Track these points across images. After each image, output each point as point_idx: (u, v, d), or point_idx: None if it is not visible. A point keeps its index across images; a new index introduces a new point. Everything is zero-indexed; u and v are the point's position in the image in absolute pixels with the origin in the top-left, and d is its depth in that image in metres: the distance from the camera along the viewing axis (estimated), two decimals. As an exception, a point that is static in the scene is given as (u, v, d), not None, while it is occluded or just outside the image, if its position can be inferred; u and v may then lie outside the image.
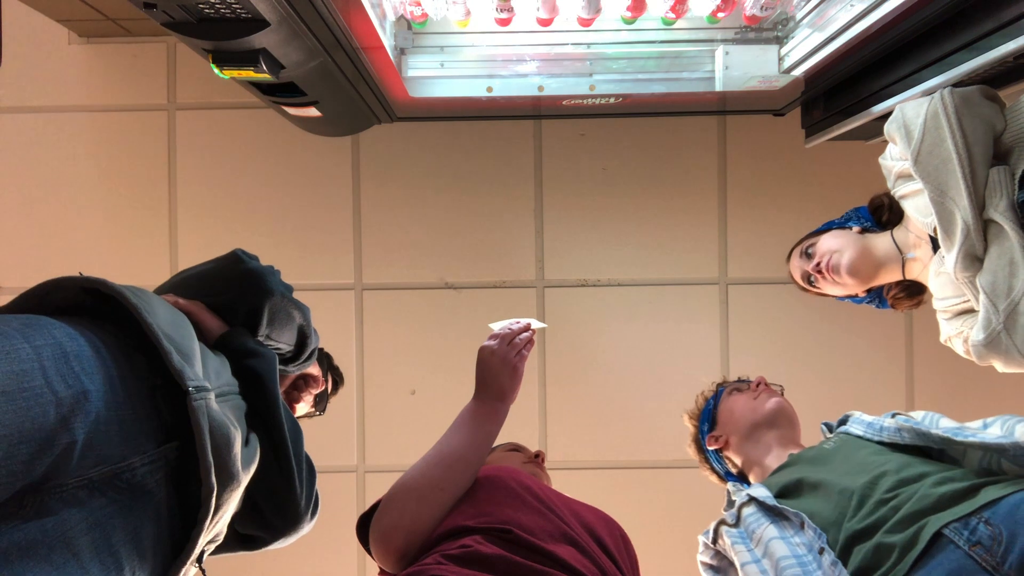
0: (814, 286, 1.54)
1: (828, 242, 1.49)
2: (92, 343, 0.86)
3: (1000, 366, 1.20)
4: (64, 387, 0.78)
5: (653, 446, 2.45)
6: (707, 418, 1.46)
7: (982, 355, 1.20)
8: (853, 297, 1.54)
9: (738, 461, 1.39)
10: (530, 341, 1.17)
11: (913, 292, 1.46)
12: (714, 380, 1.57)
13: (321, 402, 1.55)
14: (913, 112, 1.21)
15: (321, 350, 1.55)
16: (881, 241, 1.45)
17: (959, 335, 1.29)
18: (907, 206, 1.35)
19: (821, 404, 2.41)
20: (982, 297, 1.15)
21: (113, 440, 0.83)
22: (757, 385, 1.43)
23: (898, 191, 1.35)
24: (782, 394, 1.46)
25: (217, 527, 0.98)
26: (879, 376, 2.44)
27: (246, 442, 1.01)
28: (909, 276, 1.42)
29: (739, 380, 1.53)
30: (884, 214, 1.48)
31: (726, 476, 1.42)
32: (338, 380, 1.63)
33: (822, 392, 2.42)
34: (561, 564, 0.88)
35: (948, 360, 1.28)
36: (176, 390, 0.91)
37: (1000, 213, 1.13)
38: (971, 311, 1.26)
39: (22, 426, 0.72)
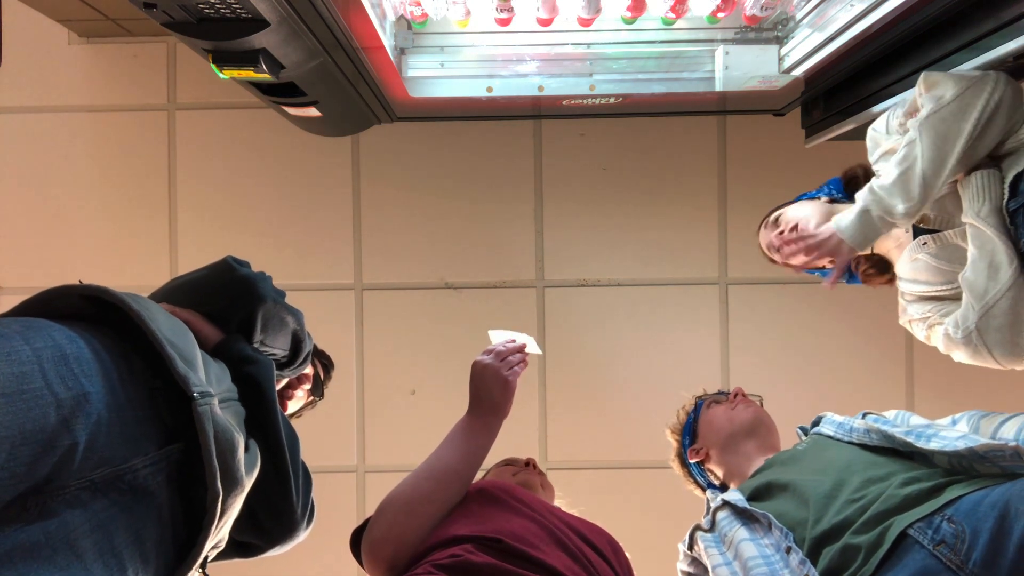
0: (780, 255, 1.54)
1: (795, 210, 1.49)
2: (91, 346, 0.86)
3: (964, 359, 1.24)
4: (64, 389, 0.78)
5: (653, 446, 2.44)
6: (688, 432, 1.47)
7: (950, 347, 1.24)
8: (820, 270, 1.52)
9: (720, 472, 1.39)
10: (523, 360, 1.17)
11: (883, 269, 1.45)
12: (694, 393, 1.56)
13: (317, 387, 1.56)
14: (957, 80, 1.18)
15: None
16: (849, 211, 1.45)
17: (923, 319, 1.31)
18: None
19: (821, 404, 2.40)
20: (964, 294, 1.19)
21: (115, 442, 0.83)
22: (735, 396, 1.43)
23: (879, 166, 1.35)
24: (761, 404, 1.46)
25: (221, 532, 0.99)
26: (879, 375, 2.44)
27: (246, 448, 1.01)
28: (878, 251, 1.42)
29: (719, 392, 1.52)
30: (861, 187, 1.48)
31: (708, 487, 1.42)
32: (327, 364, 1.63)
33: (822, 392, 2.42)
34: (552, 572, 0.88)
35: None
36: (176, 393, 0.91)
37: (983, 218, 1.16)
38: (941, 298, 1.28)
39: (23, 427, 0.72)
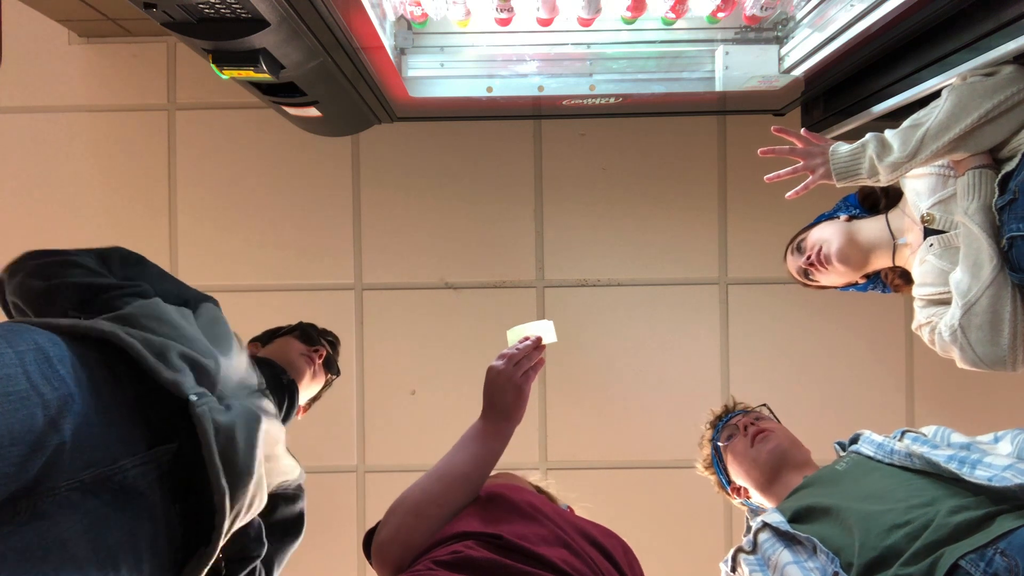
0: (812, 280, 1.55)
1: (816, 234, 1.50)
2: (72, 348, 0.86)
3: (959, 362, 1.24)
4: (50, 389, 0.79)
5: (653, 446, 2.45)
6: (720, 469, 1.44)
7: (944, 347, 1.25)
8: (855, 285, 1.54)
9: (769, 504, 1.36)
10: (540, 361, 1.16)
11: (909, 279, 1.45)
12: (703, 422, 1.52)
13: (332, 366, 1.57)
14: (1014, 68, 1.19)
15: (311, 327, 1.59)
16: (870, 226, 1.45)
17: (928, 324, 1.32)
18: (908, 187, 1.36)
19: (821, 403, 2.41)
20: (952, 292, 1.21)
21: (103, 442, 0.84)
22: (745, 428, 1.38)
23: None
24: (770, 411, 1.45)
25: (244, 520, 1.01)
26: (879, 374, 2.43)
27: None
28: (898, 262, 1.43)
29: (726, 417, 1.47)
30: (880, 200, 1.48)
31: (754, 510, 1.41)
32: (333, 341, 1.63)
33: (822, 391, 2.41)
34: (551, 567, 0.88)
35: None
36: (167, 393, 0.91)
37: (969, 216, 1.17)
38: (944, 302, 1.29)
39: (12, 428, 0.73)
